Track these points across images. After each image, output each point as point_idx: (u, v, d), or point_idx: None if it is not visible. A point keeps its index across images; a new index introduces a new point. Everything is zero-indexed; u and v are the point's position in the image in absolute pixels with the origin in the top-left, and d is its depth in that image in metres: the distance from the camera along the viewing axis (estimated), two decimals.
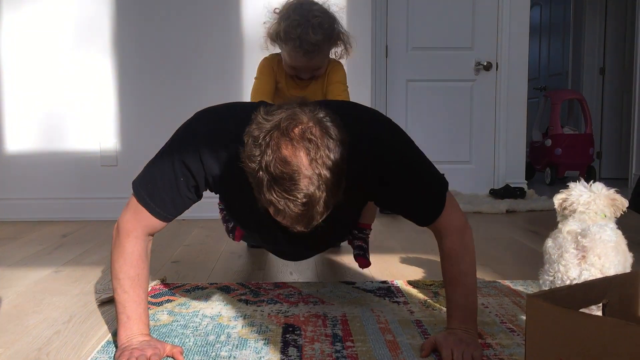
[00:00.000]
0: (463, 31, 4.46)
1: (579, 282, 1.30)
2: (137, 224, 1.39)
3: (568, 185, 1.51)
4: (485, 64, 4.45)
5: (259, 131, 1.12)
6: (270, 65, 2.00)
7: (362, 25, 3.57)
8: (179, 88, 3.59)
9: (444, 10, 4.44)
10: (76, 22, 3.52)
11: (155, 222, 1.40)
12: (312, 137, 1.09)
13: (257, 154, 1.10)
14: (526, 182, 4.58)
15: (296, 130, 1.10)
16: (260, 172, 1.10)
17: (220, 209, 2.18)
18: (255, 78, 2.02)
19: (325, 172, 1.09)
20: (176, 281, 2.11)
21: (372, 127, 1.40)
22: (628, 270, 1.40)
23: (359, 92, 3.59)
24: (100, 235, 3.03)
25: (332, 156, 1.10)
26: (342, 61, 2.13)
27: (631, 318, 1.13)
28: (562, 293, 1.01)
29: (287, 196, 1.10)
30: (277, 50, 2.03)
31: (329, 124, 1.13)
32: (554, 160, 5.41)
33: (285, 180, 1.08)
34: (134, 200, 1.40)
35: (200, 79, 3.58)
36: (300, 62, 1.88)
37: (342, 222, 1.69)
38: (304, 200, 1.10)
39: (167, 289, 1.98)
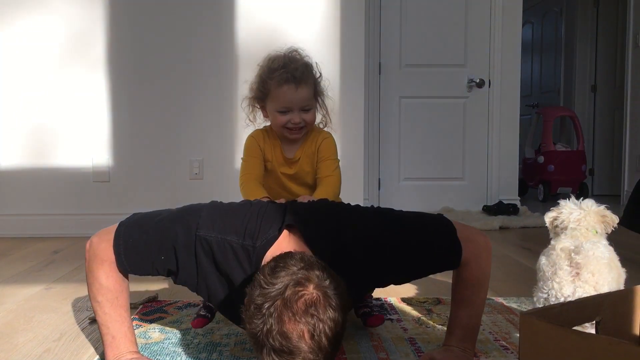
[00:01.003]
0: (456, 49, 4.50)
1: (572, 300, 1.29)
2: (110, 256, 1.35)
3: (559, 203, 1.51)
4: (477, 81, 4.48)
5: (262, 299, 1.12)
6: (257, 143, 1.92)
7: (356, 42, 3.60)
8: (172, 104, 3.59)
9: (437, 28, 4.47)
10: (68, 37, 3.53)
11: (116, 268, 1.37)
12: (315, 313, 1.10)
13: (259, 323, 1.11)
14: (519, 198, 4.60)
15: (300, 304, 1.10)
16: (261, 338, 1.11)
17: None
18: (243, 160, 1.93)
19: (325, 343, 1.11)
20: (168, 298, 2.09)
21: (356, 226, 1.37)
22: (621, 286, 1.40)
23: (353, 110, 3.61)
24: None
25: (333, 327, 1.11)
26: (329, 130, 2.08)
27: (624, 336, 1.13)
28: (556, 311, 1.01)
29: None
30: (260, 123, 1.99)
31: (332, 292, 1.13)
32: (547, 177, 5.43)
33: (285, 353, 1.10)
34: (113, 234, 1.36)
35: (193, 95, 3.59)
36: (289, 95, 1.83)
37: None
38: None
39: (158, 306, 1.97)
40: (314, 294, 1.11)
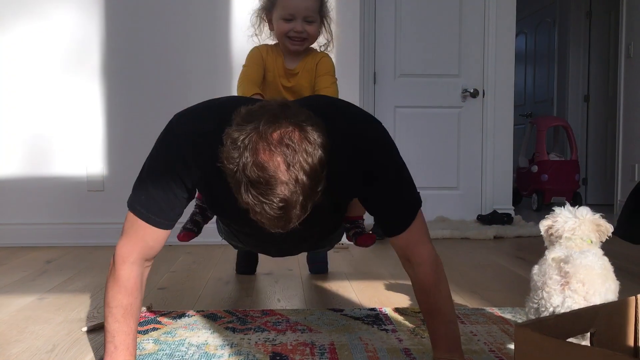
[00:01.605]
0: (450, 59, 4.52)
1: (565, 310, 1.29)
2: (133, 248, 1.37)
3: (554, 211, 1.52)
4: (472, 91, 4.50)
5: (238, 133, 1.12)
6: (260, 53, 2.01)
7: (351, 52, 3.61)
8: (167, 113, 3.57)
9: (431, 38, 4.50)
10: (64, 46, 3.53)
11: (154, 237, 1.38)
12: (290, 143, 1.10)
13: (235, 156, 1.11)
14: (513, 208, 4.61)
15: (275, 135, 1.10)
16: (238, 174, 1.12)
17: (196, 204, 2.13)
18: (244, 66, 2.02)
19: (302, 177, 1.10)
20: (162, 308, 2.08)
21: (362, 125, 1.40)
22: (616, 297, 1.40)
23: None
24: (86, 261, 2.99)
25: (309, 160, 1.11)
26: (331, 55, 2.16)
27: (619, 347, 1.13)
28: (550, 322, 1.01)
29: (263, 200, 1.11)
30: (264, 39, 2.07)
31: (309, 127, 1.14)
32: (541, 186, 5.45)
33: (262, 184, 1.10)
34: (129, 221, 1.39)
35: (189, 103, 3.58)
36: (295, 2, 1.90)
37: (324, 219, 1.68)
38: (280, 204, 1.11)
39: (153, 317, 1.96)
40: (290, 127, 1.12)
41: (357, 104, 3.65)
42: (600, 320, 1.08)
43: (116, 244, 1.41)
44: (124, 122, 3.58)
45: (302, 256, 2.73)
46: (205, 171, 1.35)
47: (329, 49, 2.12)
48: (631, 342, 1.16)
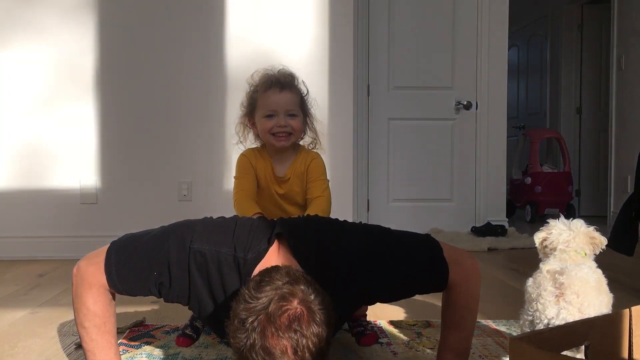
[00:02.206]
0: (443, 71, 4.55)
1: (559, 322, 1.29)
2: (99, 280, 1.34)
3: (548, 223, 1.52)
4: (465, 103, 4.52)
5: (246, 313, 1.12)
6: (249, 161, 1.94)
7: (345, 64, 3.63)
8: (160, 126, 3.59)
9: (425, 51, 4.52)
10: (59, 60, 3.53)
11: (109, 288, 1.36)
12: (298, 329, 1.10)
13: (242, 337, 1.11)
14: (507, 219, 4.62)
15: (283, 319, 1.10)
16: (245, 352, 1.11)
17: None
18: (236, 177, 1.95)
19: (308, 357, 1.11)
20: (155, 322, 2.07)
21: (343, 240, 1.39)
22: (609, 310, 1.40)
23: (342, 131, 3.63)
24: None
25: (316, 342, 1.11)
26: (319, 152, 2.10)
27: None
28: (545, 335, 1.01)
29: None
30: (251, 143, 2.02)
31: (316, 307, 1.13)
32: (534, 198, 5.47)
33: None
34: (103, 257, 1.35)
35: (182, 117, 3.59)
36: (274, 98, 1.87)
37: None
38: None
39: (146, 331, 1.94)
40: (298, 309, 1.11)
41: (350, 116, 3.67)
42: (595, 333, 1.08)
43: (85, 259, 1.37)
44: (118, 136, 3.57)
45: None
46: (200, 285, 1.33)
47: (317, 147, 2.07)
48: (625, 355, 1.16)
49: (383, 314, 2.16)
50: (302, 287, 1.14)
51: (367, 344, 1.76)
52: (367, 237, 1.40)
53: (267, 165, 1.92)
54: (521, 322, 1.43)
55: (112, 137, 3.57)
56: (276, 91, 1.87)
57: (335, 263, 1.33)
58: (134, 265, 1.33)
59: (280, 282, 1.14)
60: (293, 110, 1.88)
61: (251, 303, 1.12)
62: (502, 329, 1.95)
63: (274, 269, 1.20)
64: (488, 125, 4.56)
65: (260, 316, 1.10)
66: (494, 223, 4.37)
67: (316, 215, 1.56)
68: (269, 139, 1.88)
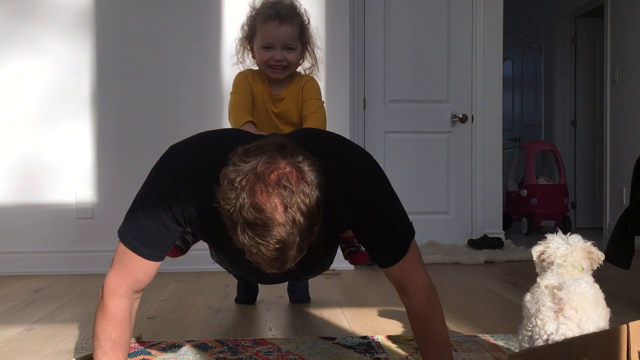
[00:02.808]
0: (439, 84, 4.57)
1: (559, 338, 1.29)
2: (122, 280, 1.36)
3: (546, 237, 1.53)
4: (460, 116, 4.54)
5: (235, 174, 1.12)
6: (246, 78, 2.01)
7: (341, 78, 3.64)
8: (157, 141, 3.57)
9: (420, 64, 4.55)
10: (55, 75, 3.53)
11: (143, 270, 1.37)
12: (288, 184, 1.10)
13: (232, 197, 1.11)
14: (503, 232, 4.62)
15: (272, 176, 1.10)
16: (235, 215, 1.11)
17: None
18: (232, 93, 2.01)
19: (299, 218, 1.11)
20: (152, 338, 2.06)
21: (353, 160, 1.42)
22: (607, 324, 1.40)
23: None
24: (75, 290, 2.96)
25: (307, 201, 1.11)
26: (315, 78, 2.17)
27: None
28: (543, 352, 1.01)
29: (260, 241, 1.11)
30: (249, 65, 2.09)
31: (306, 168, 1.14)
32: (530, 210, 5.48)
33: (259, 226, 1.10)
34: (119, 252, 1.38)
35: (179, 133, 3.58)
36: (273, 31, 1.91)
37: (318, 254, 1.68)
38: (277, 246, 1.11)
39: (142, 347, 1.93)
40: (287, 168, 1.12)
41: (347, 129, 3.68)
42: (593, 349, 1.08)
43: (106, 274, 1.40)
44: (114, 150, 3.57)
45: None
46: (198, 203, 1.34)
47: (314, 72, 2.13)
48: None
49: (380, 329, 2.15)
50: (291, 150, 1.16)
51: (360, 262, 1.84)
52: (378, 171, 1.46)
53: (265, 84, 2.02)
54: (520, 337, 1.43)
55: (108, 152, 3.56)
56: (275, 24, 1.92)
57: (337, 180, 1.31)
58: (147, 225, 1.36)
59: (268, 148, 1.15)
60: (291, 44, 1.94)
61: (239, 165, 1.13)
62: (500, 343, 1.94)
63: (262, 136, 1.23)
64: (484, 137, 4.58)
65: (249, 175, 1.11)
66: (490, 235, 4.37)
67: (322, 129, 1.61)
68: (265, 70, 1.97)
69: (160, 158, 1.44)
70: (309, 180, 1.13)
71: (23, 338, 2.09)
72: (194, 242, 1.99)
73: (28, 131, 3.52)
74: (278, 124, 2.00)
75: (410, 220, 1.48)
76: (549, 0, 6.28)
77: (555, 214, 5.45)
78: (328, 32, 3.62)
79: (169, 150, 1.45)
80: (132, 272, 1.37)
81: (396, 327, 2.19)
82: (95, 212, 3.55)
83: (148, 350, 1.91)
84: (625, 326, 1.16)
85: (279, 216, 1.09)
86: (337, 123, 3.64)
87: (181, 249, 1.81)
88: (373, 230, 1.41)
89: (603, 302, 1.41)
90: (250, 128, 1.88)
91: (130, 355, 1.85)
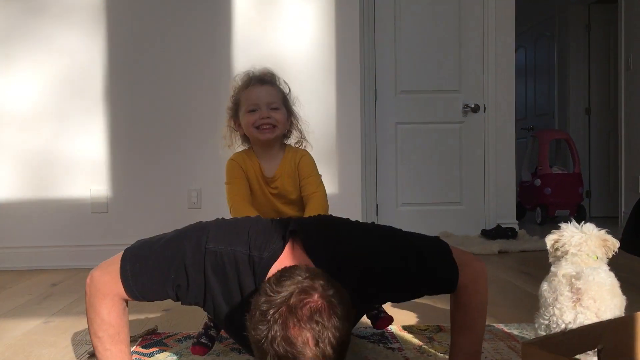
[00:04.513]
0: (450, 74, 4.54)
1: (574, 326, 1.29)
2: (113, 289, 1.35)
3: (560, 226, 1.52)
4: (473, 106, 4.51)
5: (267, 305, 1.13)
6: (238, 165, 1.94)
7: (351, 69, 3.63)
8: (170, 134, 3.61)
9: (431, 54, 4.52)
10: (69, 70, 3.56)
11: (123, 294, 1.36)
12: (320, 320, 1.11)
13: (264, 329, 1.12)
14: (517, 222, 4.60)
15: (304, 310, 1.11)
16: (265, 345, 1.12)
17: None
18: (227, 183, 1.94)
19: (329, 351, 1.11)
20: (168, 330, 2.08)
21: (363, 243, 1.40)
22: (622, 313, 1.39)
23: (349, 136, 3.63)
24: None
25: (337, 335, 1.12)
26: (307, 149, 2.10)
27: None
28: (557, 339, 1.01)
29: None
30: (239, 147, 2.03)
31: (336, 301, 1.15)
32: (544, 200, 5.44)
33: (289, 358, 1.10)
34: (117, 265, 1.36)
35: (191, 127, 3.61)
36: (256, 92, 1.89)
37: None
38: None
39: (158, 339, 1.95)
40: (319, 302, 1.12)
41: (358, 121, 3.67)
42: (608, 336, 1.07)
43: (98, 269, 1.37)
44: (128, 144, 3.59)
45: None
46: (215, 286, 1.34)
47: (303, 145, 2.05)
48: (638, 358, 1.15)
49: (394, 320, 2.15)
50: (322, 282, 1.16)
51: (383, 326, 1.82)
52: (380, 240, 1.41)
53: (256, 166, 1.94)
54: (536, 325, 1.42)
55: (121, 147, 3.59)
56: (257, 85, 1.90)
57: (348, 264, 1.34)
58: (151, 270, 1.34)
59: (300, 277, 1.16)
60: (275, 103, 1.90)
61: (272, 296, 1.13)
62: (515, 332, 1.94)
63: (294, 266, 1.22)
64: (496, 127, 4.55)
65: (282, 308, 1.11)
66: (504, 226, 4.36)
67: (330, 215, 1.58)
68: (254, 133, 1.89)
69: (204, 225, 1.40)
70: (339, 313, 1.14)
71: (41, 330, 2.12)
72: (218, 333, 1.88)
73: (43, 127, 3.56)
74: (277, 204, 1.95)
75: (437, 238, 1.47)
76: None
77: (570, 204, 5.40)
78: (338, 25, 3.61)
79: (212, 225, 1.41)
80: (122, 291, 1.35)
81: (410, 317, 2.19)
82: (110, 206, 3.58)
83: (164, 341, 1.92)
84: (639, 313, 1.15)
85: (310, 351, 1.10)
86: (349, 115, 3.64)
87: (207, 346, 1.75)
88: (415, 285, 1.42)
89: (619, 291, 1.41)
90: None
91: (146, 346, 1.87)
